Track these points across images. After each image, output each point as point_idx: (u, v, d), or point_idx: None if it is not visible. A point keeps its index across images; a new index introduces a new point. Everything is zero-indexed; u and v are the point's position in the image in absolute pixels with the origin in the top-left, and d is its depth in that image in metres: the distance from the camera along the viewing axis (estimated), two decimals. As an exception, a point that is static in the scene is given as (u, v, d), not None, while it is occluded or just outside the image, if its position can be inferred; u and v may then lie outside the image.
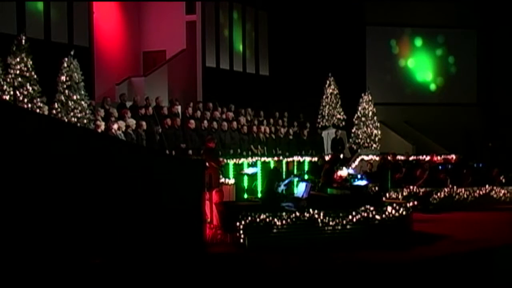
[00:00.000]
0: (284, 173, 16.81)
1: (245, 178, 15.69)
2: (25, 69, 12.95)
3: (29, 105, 12.72)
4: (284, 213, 11.20)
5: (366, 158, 19.89)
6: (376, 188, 16.47)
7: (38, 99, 13.06)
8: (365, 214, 11.73)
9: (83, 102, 13.52)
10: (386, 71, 28.71)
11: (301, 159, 18.16)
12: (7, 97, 12.50)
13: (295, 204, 12.03)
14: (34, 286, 8.04)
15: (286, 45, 24.91)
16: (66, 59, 13.59)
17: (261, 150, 17.97)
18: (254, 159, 16.48)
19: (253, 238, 10.89)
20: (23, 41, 13.12)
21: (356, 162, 19.81)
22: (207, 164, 12.12)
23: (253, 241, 10.87)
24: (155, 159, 9.96)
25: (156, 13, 22.44)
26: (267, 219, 11.00)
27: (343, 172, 16.10)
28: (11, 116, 8.44)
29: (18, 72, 12.86)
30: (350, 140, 22.33)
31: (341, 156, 20.05)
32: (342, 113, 22.82)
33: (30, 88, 12.93)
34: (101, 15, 20.28)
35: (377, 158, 19.36)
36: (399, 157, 19.47)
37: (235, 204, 12.57)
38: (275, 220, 11.05)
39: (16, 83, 12.68)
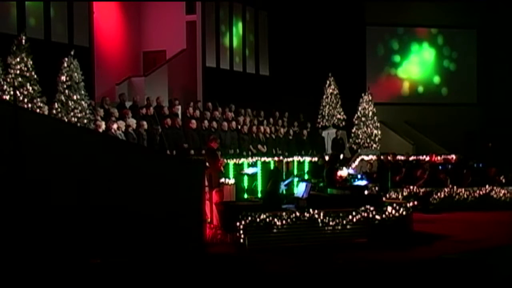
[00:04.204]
0: (284, 173, 16.82)
1: (245, 178, 15.68)
2: (25, 69, 12.95)
3: (29, 105, 12.72)
4: (284, 213, 11.21)
5: (366, 158, 19.88)
6: (376, 188, 16.48)
7: (38, 99, 13.06)
8: (365, 214, 11.74)
9: (83, 102, 13.52)
10: (386, 71, 28.72)
11: (301, 159, 18.15)
12: (7, 97, 12.50)
13: (295, 204, 12.04)
14: (34, 286, 8.04)
15: (286, 45, 24.90)
16: (66, 59, 13.60)
17: (262, 150, 17.97)
18: (254, 159, 16.49)
19: (253, 238, 10.89)
20: (23, 41, 13.12)
21: (356, 162, 19.81)
22: (207, 164, 12.11)
23: (253, 241, 10.87)
24: (155, 159, 9.96)
25: (156, 13, 22.43)
26: (267, 219, 11.00)
27: (343, 172, 16.09)
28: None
29: (18, 72, 12.87)
30: (350, 140, 22.33)
31: (341, 156, 20.06)
32: (342, 113, 22.82)
33: (30, 88, 12.94)
34: (101, 15, 20.27)
35: (377, 158, 19.35)
36: (399, 157, 19.46)
37: (235, 204, 12.57)
38: (275, 220, 11.06)
39: (16, 83, 12.68)
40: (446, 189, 17.34)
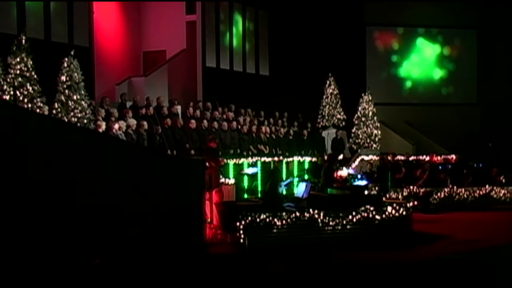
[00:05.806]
0: (284, 173, 16.83)
1: (245, 178, 15.69)
2: (25, 69, 12.95)
3: (29, 105, 12.72)
4: (284, 213, 11.21)
5: (366, 158, 19.89)
6: (376, 188, 16.48)
7: (38, 99, 13.06)
8: (365, 214, 11.74)
9: (83, 102, 13.52)
10: (386, 71, 28.73)
11: (301, 159, 18.16)
12: (7, 97, 12.50)
13: (295, 204, 12.04)
14: (34, 286, 8.04)
15: (286, 45, 24.91)
16: (66, 59, 13.59)
17: (263, 149, 17.97)
18: (254, 159, 16.49)
19: (253, 238, 10.89)
20: (23, 41, 13.12)
21: (356, 162, 19.82)
22: (207, 164, 12.12)
23: (253, 241, 10.87)
24: (155, 159, 9.96)
25: (156, 13, 22.44)
26: (267, 219, 11.00)
27: (343, 172, 16.10)
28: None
29: (18, 72, 12.87)
30: (350, 140, 22.34)
31: (341, 156, 20.07)
32: (342, 113, 22.84)
33: (30, 88, 12.93)
34: (101, 15, 20.27)
35: (377, 158, 19.37)
36: (399, 157, 19.46)
37: (235, 204, 12.57)
38: (275, 220, 11.06)
39: (16, 83, 12.68)
40: (446, 189, 17.34)
